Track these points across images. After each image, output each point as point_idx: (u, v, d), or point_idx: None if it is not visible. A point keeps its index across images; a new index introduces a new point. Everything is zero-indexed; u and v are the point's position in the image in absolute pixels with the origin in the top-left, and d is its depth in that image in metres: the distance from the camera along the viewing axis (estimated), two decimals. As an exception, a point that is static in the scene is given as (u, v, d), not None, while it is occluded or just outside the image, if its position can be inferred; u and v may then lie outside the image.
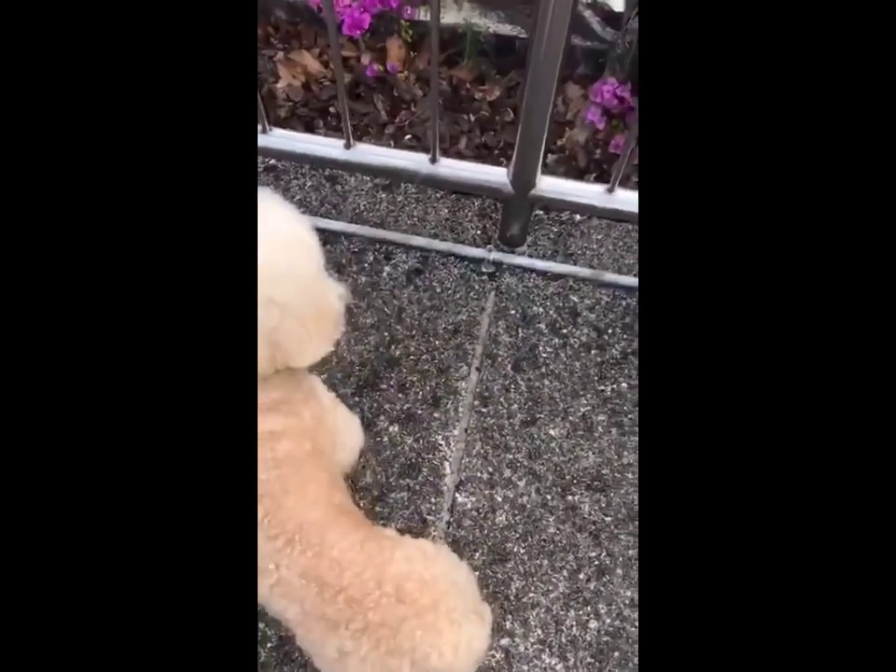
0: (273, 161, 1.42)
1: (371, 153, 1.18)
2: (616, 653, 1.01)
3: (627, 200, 1.14)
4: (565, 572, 1.06)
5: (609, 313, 1.28)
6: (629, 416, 1.18)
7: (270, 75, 1.53)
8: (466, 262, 1.32)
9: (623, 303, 1.29)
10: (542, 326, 1.26)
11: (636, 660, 1.01)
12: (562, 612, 1.04)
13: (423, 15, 1.50)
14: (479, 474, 1.13)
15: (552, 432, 1.17)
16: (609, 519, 1.10)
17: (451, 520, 1.10)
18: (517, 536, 1.09)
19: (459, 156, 1.44)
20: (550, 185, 1.16)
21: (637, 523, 1.09)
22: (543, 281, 1.31)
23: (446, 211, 1.38)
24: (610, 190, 1.14)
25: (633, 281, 1.31)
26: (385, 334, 1.24)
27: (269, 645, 1.00)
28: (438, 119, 1.09)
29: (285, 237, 0.68)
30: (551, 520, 1.10)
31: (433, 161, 1.15)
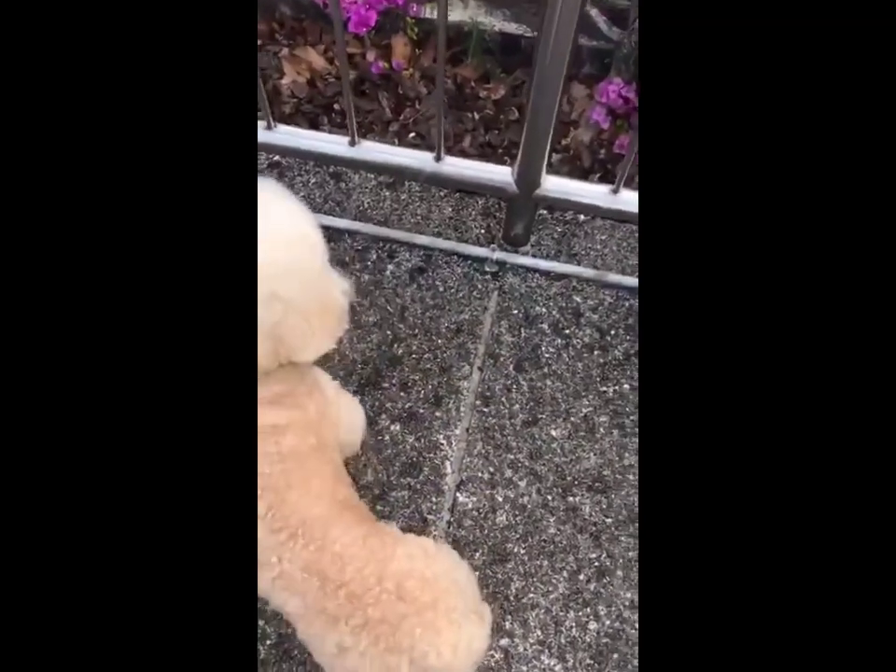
0: (277, 158, 1.42)
1: (375, 150, 1.18)
2: (615, 655, 1.01)
3: (631, 200, 1.14)
4: (565, 573, 1.06)
5: (611, 314, 1.28)
6: (631, 418, 1.18)
7: (275, 71, 1.53)
8: (469, 261, 1.32)
9: (627, 304, 1.29)
10: (545, 326, 1.26)
11: (635, 662, 1.00)
12: (561, 613, 1.03)
13: (429, 12, 1.50)
14: (480, 474, 1.13)
15: (553, 433, 1.17)
16: (609, 520, 1.10)
17: (451, 519, 1.10)
18: (517, 536, 1.08)
19: (463, 154, 1.44)
20: (554, 185, 1.15)
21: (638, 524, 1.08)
22: (546, 281, 1.31)
23: (450, 210, 1.38)
24: (615, 191, 1.14)
25: (636, 282, 1.30)
26: (388, 332, 1.24)
27: (268, 642, 1.00)
28: (443, 117, 1.09)
29: (289, 232, 0.67)
30: (551, 521, 1.10)
31: (437, 159, 1.15)
